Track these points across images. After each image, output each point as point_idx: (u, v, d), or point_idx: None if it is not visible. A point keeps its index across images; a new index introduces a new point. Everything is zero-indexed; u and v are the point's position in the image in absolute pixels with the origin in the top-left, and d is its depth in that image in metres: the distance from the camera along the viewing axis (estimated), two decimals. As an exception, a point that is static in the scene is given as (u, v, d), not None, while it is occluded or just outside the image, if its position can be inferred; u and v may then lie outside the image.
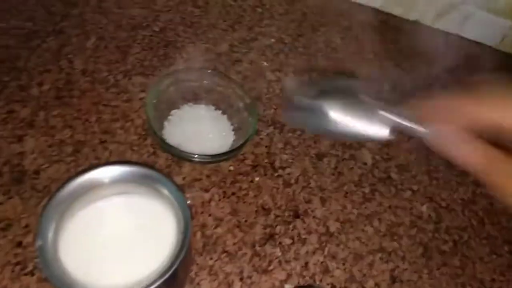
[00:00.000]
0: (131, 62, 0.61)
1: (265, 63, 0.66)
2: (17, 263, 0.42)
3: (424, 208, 0.57)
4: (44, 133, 0.51)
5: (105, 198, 0.41)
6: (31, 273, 0.42)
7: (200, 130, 0.54)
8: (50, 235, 0.34)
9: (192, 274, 0.45)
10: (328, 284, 0.47)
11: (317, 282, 0.47)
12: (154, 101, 0.52)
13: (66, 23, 0.63)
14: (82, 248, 0.38)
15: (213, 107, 0.56)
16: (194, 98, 0.56)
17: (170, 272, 0.33)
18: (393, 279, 0.49)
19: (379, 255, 0.51)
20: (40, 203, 0.46)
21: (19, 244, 0.43)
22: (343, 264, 0.49)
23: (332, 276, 0.48)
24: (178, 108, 0.55)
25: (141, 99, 0.57)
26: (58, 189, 0.36)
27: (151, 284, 0.33)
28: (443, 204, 0.58)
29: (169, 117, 0.54)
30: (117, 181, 0.38)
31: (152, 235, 0.39)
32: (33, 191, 0.47)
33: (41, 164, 0.49)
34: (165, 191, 0.38)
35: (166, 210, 0.39)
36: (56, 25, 0.62)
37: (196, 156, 0.49)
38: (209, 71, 0.56)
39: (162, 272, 0.33)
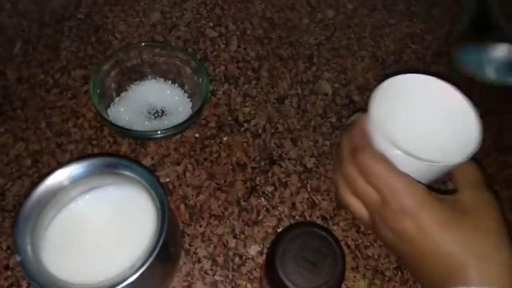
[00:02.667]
0: (65, 57, 0.58)
1: (203, 22, 0.64)
2: (10, 285, 0.42)
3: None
4: (-3, 153, 0.49)
5: (76, 198, 0.40)
6: (27, 291, 0.42)
7: (155, 106, 0.53)
8: (28, 248, 0.34)
9: (186, 245, 0.45)
10: (317, 217, 0.49)
11: (308, 218, 0.48)
12: (98, 90, 0.50)
13: (-15, 35, 0.59)
14: (66, 252, 0.37)
15: (161, 80, 0.55)
16: (140, 75, 0.54)
17: (158, 247, 0.33)
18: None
19: (360, 176, 0.52)
20: (15, 222, 0.45)
21: (6, 267, 0.43)
22: (328, 194, 0.50)
23: (320, 208, 0.49)
24: (125, 90, 0.53)
25: (86, 92, 0.55)
26: (22, 204, 0.35)
27: (144, 263, 0.33)
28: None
29: (119, 101, 0.52)
30: (81, 178, 0.37)
31: (132, 221, 0.39)
32: (4, 213, 0.45)
33: (3, 184, 0.47)
34: (131, 174, 0.37)
35: (138, 192, 0.39)
36: (-26, 40, 0.59)
37: (159, 132, 0.48)
38: (145, 44, 0.54)
39: (151, 249, 0.33)
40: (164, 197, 0.36)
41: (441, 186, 0.49)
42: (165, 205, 0.35)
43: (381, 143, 0.34)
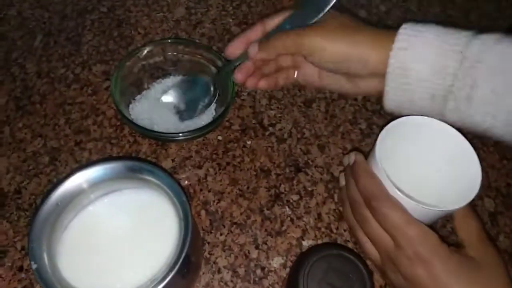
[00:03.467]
0: (87, 52, 0.56)
1: (228, 19, 0.62)
2: (24, 288, 0.40)
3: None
4: (14, 149, 0.48)
5: (95, 201, 0.38)
6: (41, 296, 0.40)
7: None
8: (45, 254, 0.32)
9: (206, 254, 0.43)
10: (345, 230, 0.46)
11: (334, 231, 0.46)
12: (120, 87, 0.48)
13: (6, 27, 0.58)
14: (83, 257, 0.35)
15: (185, 78, 0.52)
16: (162, 73, 0.52)
17: (181, 260, 0.31)
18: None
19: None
20: (30, 222, 0.43)
21: (21, 269, 0.41)
22: (356, 206, 0.47)
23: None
24: (147, 88, 0.51)
25: (107, 88, 0.53)
26: (39, 208, 0.33)
27: (164, 277, 0.31)
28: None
29: (140, 99, 0.50)
30: (101, 182, 0.35)
31: (152, 228, 0.37)
32: (19, 212, 0.44)
33: (20, 182, 0.46)
34: (154, 179, 0.35)
35: (160, 198, 0.37)
36: (-5, 31, 0.57)
37: (181, 134, 0.46)
38: (170, 40, 0.52)
39: (173, 263, 0.31)
40: (188, 206, 0.33)
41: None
42: (189, 215, 0.33)
43: (384, 182, 0.35)
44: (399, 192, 0.34)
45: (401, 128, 0.38)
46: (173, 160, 0.49)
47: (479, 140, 0.54)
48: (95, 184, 0.35)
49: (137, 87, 0.51)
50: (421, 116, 0.38)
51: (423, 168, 0.40)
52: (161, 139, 0.48)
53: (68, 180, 0.34)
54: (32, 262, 0.31)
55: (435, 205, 0.34)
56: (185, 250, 0.32)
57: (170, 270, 0.31)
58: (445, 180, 0.39)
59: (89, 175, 0.35)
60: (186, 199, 0.34)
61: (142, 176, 0.35)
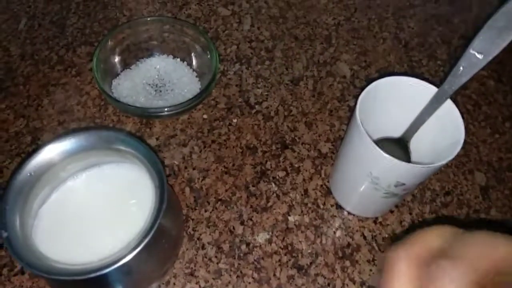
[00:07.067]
0: (71, 34, 0.56)
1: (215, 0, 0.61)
2: (4, 266, 0.40)
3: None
4: (-4, 130, 0.47)
5: (73, 176, 0.37)
6: (21, 272, 0.39)
7: (161, 83, 0.50)
8: (17, 224, 0.31)
9: (190, 230, 0.42)
10: (332, 206, 0.45)
11: (321, 206, 0.45)
12: (102, 66, 0.47)
13: (-9, 11, 0.57)
14: (60, 233, 0.35)
15: (170, 57, 0.52)
16: (147, 52, 0.52)
17: (155, 227, 0.30)
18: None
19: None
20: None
21: (1, 246, 0.41)
22: (343, 181, 0.46)
23: (334, 196, 0.45)
24: (130, 67, 0.50)
25: (91, 69, 0.52)
26: (11, 178, 0.32)
27: (139, 243, 0.30)
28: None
29: (123, 78, 0.50)
30: (74, 154, 0.35)
31: (130, 201, 0.36)
32: (1, 190, 0.43)
33: (2, 161, 0.45)
34: (128, 149, 0.34)
35: (138, 171, 0.36)
36: (-20, 15, 0.57)
37: (166, 109, 0.45)
38: (151, 19, 0.51)
39: (147, 229, 0.30)
40: (163, 174, 0.33)
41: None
42: (164, 183, 0.32)
43: (368, 146, 0.34)
44: (385, 154, 0.33)
45: (381, 89, 0.37)
46: (157, 139, 0.48)
47: (469, 116, 0.53)
48: (69, 156, 0.35)
49: (121, 66, 0.50)
50: (398, 76, 0.38)
51: (406, 127, 0.40)
52: (145, 116, 0.47)
53: (40, 151, 0.33)
54: (3, 231, 0.30)
55: (422, 162, 0.33)
56: (159, 218, 0.31)
57: (144, 237, 0.30)
58: (429, 138, 0.38)
59: (62, 146, 0.34)
60: (161, 167, 0.33)
61: (117, 147, 0.35)
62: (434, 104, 0.36)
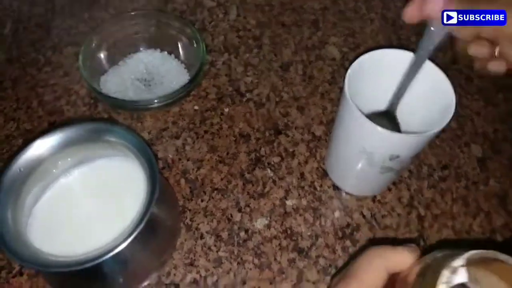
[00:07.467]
0: (57, 35, 0.55)
1: (200, -7, 0.61)
2: (2, 268, 0.39)
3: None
4: (-13, 134, 0.47)
5: (65, 173, 0.37)
6: (20, 273, 0.39)
7: (150, 77, 0.50)
8: (9, 220, 0.31)
9: (188, 221, 0.42)
10: (329, 187, 0.45)
11: (318, 188, 0.44)
12: (89, 63, 0.47)
13: (-25, 18, 0.57)
14: (55, 229, 0.35)
15: (157, 51, 0.51)
16: (133, 47, 0.51)
17: (147, 216, 0.30)
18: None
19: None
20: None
21: (-2, 250, 0.40)
22: (339, 162, 0.46)
23: (331, 178, 0.45)
24: (117, 63, 0.50)
25: (79, 69, 0.52)
26: (1, 174, 0.32)
27: (131, 233, 0.30)
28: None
29: (111, 74, 0.49)
30: (63, 149, 0.34)
31: (123, 194, 0.36)
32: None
33: (-6, 165, 0.45)
34: (116, 139, 0.34)
35: (132, 165, 0.36)
36: (-35, 23, 0.57)
37: (156, 101, 0.45)
38: (135, 13, 0.51)
39: (139, 219, 0.30)
40: (153, 161, 0.32)
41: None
42: (155, 169, 0.32)
43: (359, 121, 0.33)
44: (376, 126, 0.32)
45: (366, 64, 0.37)
46: (149, 133, 0.48)
47: (461, 89, 0.53)
48: (59, 151, 0.34)
49: (108, 62, 0.50)
50: (384, 49, 0.37)
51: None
52: (136, 109, 0.47)
53: (29, 146, 0.33)
54: (-5, 228, 0.30)
55: (414, 132, 0.33)
56: (151, 206, 0.31)
57: (137, 226, 0.30)
58: (421, 110, 0.38)
59: (50, 141, 0.34)
60: (151, 154, 0.33)
61: (106, 138, 0.34)
62: (413, 68, 0.35)
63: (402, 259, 0.26)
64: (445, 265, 0.21)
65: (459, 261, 0.21)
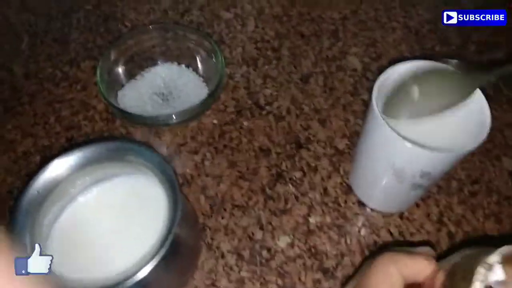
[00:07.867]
0: (74, 50, 0.55)
1: (216, 4, 0.60)
2: None
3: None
4: (4, 151, 0.46)
5: (83, 192, 0.36)
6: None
7: (168, 92, 0.49)
8: (28, 245, 0.30)
9: (208, 239, 0.41)
10: (353, 203, 0.43)
11: (342, 204, 0.43)
12: (107, 78, 0.46)
13: (-7, 33, 0.57)
14: (73, 252, 0.33)
15: (174, 64, 0.51)
16: (151, 61, 0.51)
17: (171, 237, 0.29)
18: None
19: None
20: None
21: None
22: (364, 177, 0.44)
23: (355, 194, 0.43)
24: (135, 77, 0.49)
25: (96, 83, 0.51)
26: (18, 199, 0.31)
27: (154, 256, 0.28)
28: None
29: (129, 88, 0.49)
30: (82, 168, 0.33)
31: (143, 214, 0.35)
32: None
33: (11, 183, 0.44)
34: (136, 158, 0.33)
35: (150, 183, 0.35)
36: (-17, 38, 0.57)
37: (174, 116, 0.44)
38: (153, 27, 0.50)
39: (162, 241, 0.29)
40: (174, 180, 0.31)
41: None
42: (176, 188, 0.31)
43: (389, 137, 0.32)
44: (408, 143, 0.31)
45: (396, 75, 0.35)
46: (167, 148, 0.47)
47: (490, 100, 0.50)
48: (77, 171, 0.33)
49: (125, 77, 0.49)
50: (410, 61, 0.36)
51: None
52: (154, 125, 0.46)
53: (46, 167, 0.32)
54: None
55: (448, 149, 0.31)
56: (174, 227, 0.29)
57: (160, 249, 0.28)
58: (453, 124, 0.36)
59: (68, 161, 0.33)
60: (172, 173, 0.31)
61: (125, 157, 0.33)
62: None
63: (419, 268, 0.24)
64: (479, 262, 0.19)
65: (494, 257, 0.19)
